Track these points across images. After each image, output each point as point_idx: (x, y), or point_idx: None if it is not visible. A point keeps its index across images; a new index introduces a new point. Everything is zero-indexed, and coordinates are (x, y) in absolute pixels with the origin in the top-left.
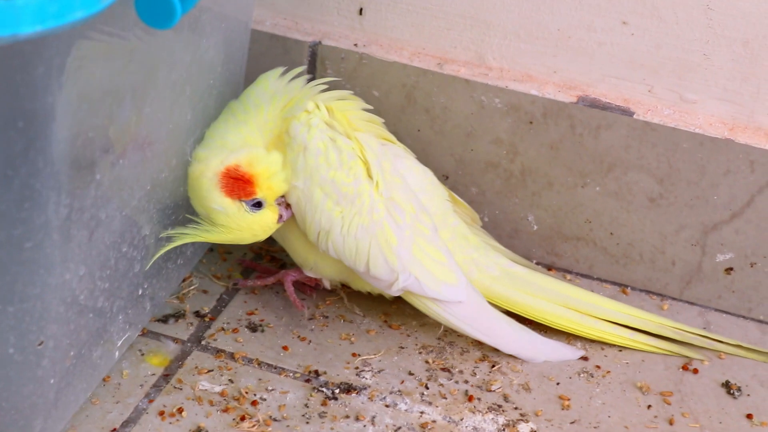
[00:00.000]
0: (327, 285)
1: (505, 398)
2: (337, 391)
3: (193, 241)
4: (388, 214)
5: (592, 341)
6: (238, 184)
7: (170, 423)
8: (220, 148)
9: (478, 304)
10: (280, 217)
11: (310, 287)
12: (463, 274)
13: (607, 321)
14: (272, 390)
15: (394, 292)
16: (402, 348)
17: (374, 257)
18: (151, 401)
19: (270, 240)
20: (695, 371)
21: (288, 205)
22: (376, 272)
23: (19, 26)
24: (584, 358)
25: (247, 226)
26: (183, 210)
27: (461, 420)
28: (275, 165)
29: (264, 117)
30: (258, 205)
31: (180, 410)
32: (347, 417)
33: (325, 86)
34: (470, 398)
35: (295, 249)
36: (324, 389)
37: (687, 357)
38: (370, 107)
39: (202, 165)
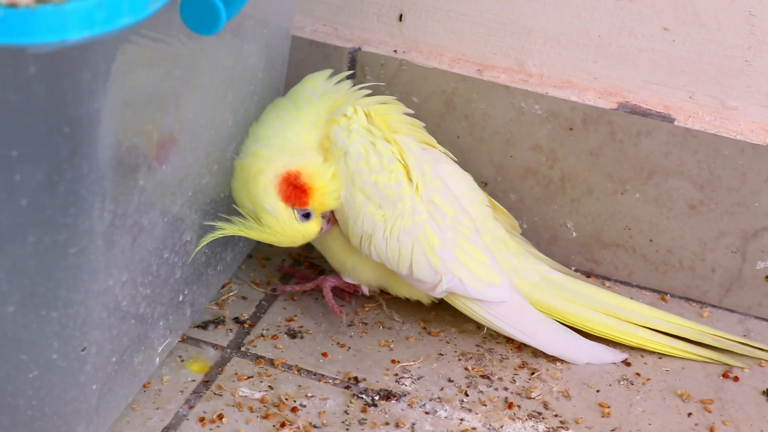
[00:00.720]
0: (366, 291)
1: (545, 405)
2: (376, 397)
3: (231, 234)
4: (429, 216)
5: (632, 348)
6: (296, 192)
7: (210, 429)
8: (281, 149)
9: (520, 304)
10: (321, 229)
11: (348, 293)
12: (506, 275)
13: (647, 328)
14: (312, 396)
15: (438, 294)
16: (441, 355)
17: (417, 260)
18: (191, 407)
19: (308, 246)
20: (736, 379)
21: (330, 219)
22: (419, 275)
23: (67, 32)
24: (626, 363)
25: (290, 233)
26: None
27: (501, 427)
28: (329, 178)
29: (316, 114)
30: (307, 215)
31: (220, 416)
32: (387, 424)
33: (369, 91)
34: (510, 405)
35: (334, 254)
36: (364, 396)
37: (727, 365)
38: (411, 111)
39: (262, 163)
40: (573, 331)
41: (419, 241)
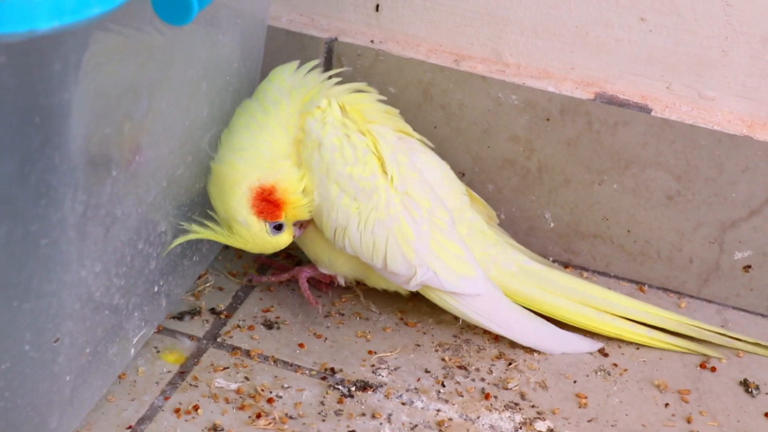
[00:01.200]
0: (342, 282)
1: (522, 396)
2: (353, 388)
3: (203, 238)
4: (404, 208)
5: (610, 339)
6: (269, 207)
7: (186, 420)
8: (255, 160)
9: (495, 297)
10: (294, 236)
11: (325, 284)
12: (481, 268)
13: (625, 318)
14: (288, 387)
15: (412, 287)
16: (418, 345)
17: (392, 252)
18: (166, 398)
19: None
20: (713, 369)
21: (303, 224)
22: (393, 267)
23: (36, 22)
24: (602, 352)
25: (261, 243)
26: (199, 206)
27: (478, 418)
28: (302, 186)
29: (286, 113)
30: (279, 227)
31: (196, 407)
32: (363, 415)
33: (340, 79)
34: (487, 396)
35: (310, 246)
36: (340, 387)
37: (705, 355)
38: (384, 98)
39: (237, 175)
40: (549, 322)
41: (393, 234)
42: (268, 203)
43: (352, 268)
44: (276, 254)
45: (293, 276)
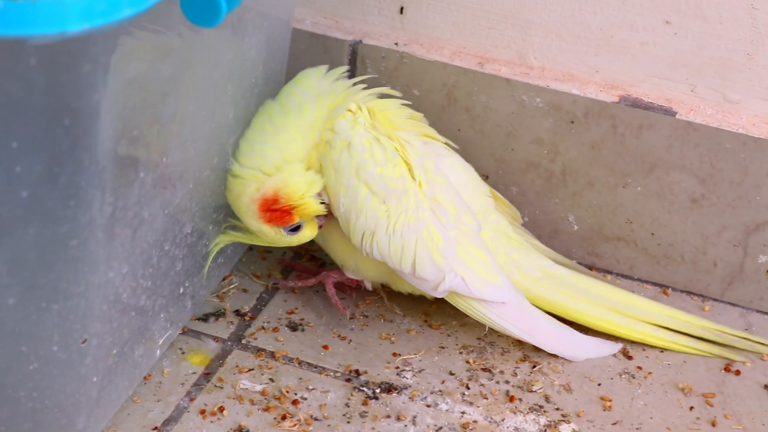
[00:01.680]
0: (368, 286)
1: (547, 399)
2: (377, 390)
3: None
4: (433, 214)
5: (633, 342)
6: (276, 214)
7: (211, 422)
8: (258, 168)
9: (520, 303)
10: (320, 227)
11: (350, 287)
12: (505, 275)
13: (648, 322)
14: (313, 389)
15: (440, 293)
16: (442, 348)
17: (421, 257)
18: (192, 400)
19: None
20: (737, 373)
21: (327, 214)
22: (422, 273)
23: (67, 24)
24: (626, 355)
25: (284, 243)
26: (224, 209)
27: (502, 420)
28: (315, 188)
29: (309, 118)
30: (296, 228)
31: (221, 409)
32: (388, 417)
33: (365, 85)
34: (511, 399)
35: (336, 251)
36: (365, 389)
37: (728, 359)
38: (409, 102)
39: (240, 186)
40: (572, 328)
41: (422, 239)
42: (274, 212)
43: (380, 274)
44: (300, 256)
45: (320, 281)
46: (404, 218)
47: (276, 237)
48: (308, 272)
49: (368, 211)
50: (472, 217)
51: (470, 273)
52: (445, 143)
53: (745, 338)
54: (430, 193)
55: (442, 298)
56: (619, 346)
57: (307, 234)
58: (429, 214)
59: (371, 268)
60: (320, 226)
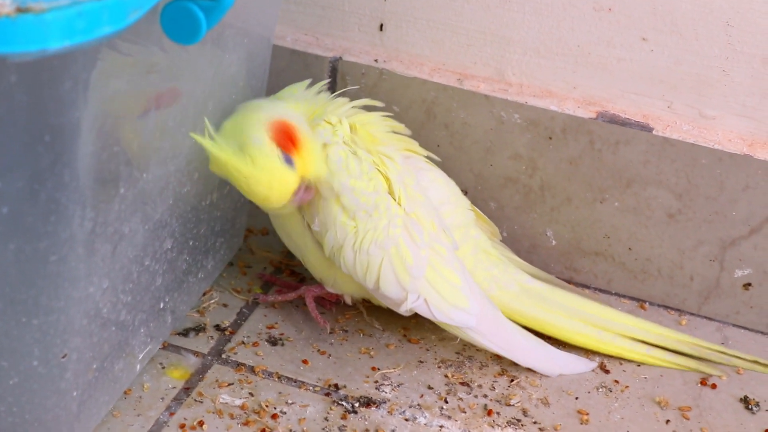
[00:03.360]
0: (348, 300)
1: (524, 413)
2: (356, 404)
3: (210, 150)
4: (406, 230)
5: (611, 357)
6: (285, 137)
7: None
8: (279, 108)
9: (494, 318)
10: (297, 192)
11: (330, 302)
12: (479, 294)
13: (625, 336)
14: (292, 403)
15: (402, 311)
16: (421, 362)
17: (385, 275)
18: (171, 414)
19: (290, 254)
20: (713, 386)
21: (309, 188)
22: (385, 290)
23: (47, 41)
24: (604, 369)
25: (269, 171)
26: (204, 224)
27: None
28: (318, 151)
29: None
30: (289, 161)
31: (201, 423)
32: (367, 430)
33: (347, 99)
34: (489, 412)
35: (314, 265)
36: (344, 403)
37: (704, 372)
38: (391, 114)
39: (261, 111)
40: (547, 343)
41: (390, 256)
42: (284, 134)
43: (358, 288)
44: (280, 271)
45: (299, 295)
46: (372, 235)
47: (270, 157)
48: (288, 287)
49: (338, 225)
50: (449, 235)
51: (435, 296)
52: (426, 157)
53: (721, 352)
54: (409, 209)
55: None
56: (594, 364)
57: (291, 179)
58: (401, 231)
59: (349, 282)
60: (297, 192)
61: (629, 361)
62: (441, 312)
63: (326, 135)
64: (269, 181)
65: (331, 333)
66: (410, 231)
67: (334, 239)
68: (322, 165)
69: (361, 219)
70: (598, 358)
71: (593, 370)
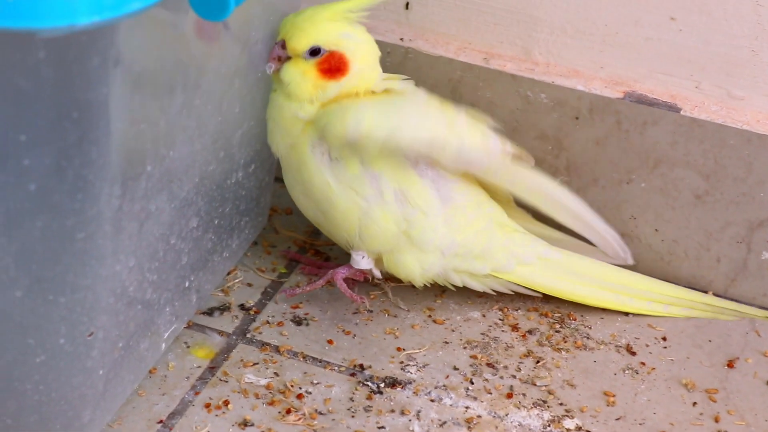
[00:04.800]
0: (378, 274)
1: (550, 394)
2: (382, 385)
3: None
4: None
5: (636, 338)
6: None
7: (216, 415)
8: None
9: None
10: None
11: (354, 281)
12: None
13: (647, 299)
14: (317, 383)
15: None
16: (446, 343)
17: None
18: (197, 393)
19: (314, 233)
20: (740, 367)
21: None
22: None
23: (76, 17)
24: (631, 352)
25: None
26: (230, 203)
27: (506, 415)
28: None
29: None
30: (315, 52)
31: (226, 403)
32: (392, 411)
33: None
34: (515, 394)
35: (341, 222)
36: (369, 383)
37: (744, 314)
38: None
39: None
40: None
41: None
42: (335, 60)
43: (385, 241)
44: (305, 250)
45: (328, 281)
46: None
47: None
48: (313, 265)
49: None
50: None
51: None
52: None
53: (744, 313)
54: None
55: (447, 293)
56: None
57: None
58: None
59: (376, 235)
60: (271, 61)
61: (656, 342)
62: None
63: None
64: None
65: (355, 313)
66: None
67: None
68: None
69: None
70: (624, 339)
71: (619, 352)
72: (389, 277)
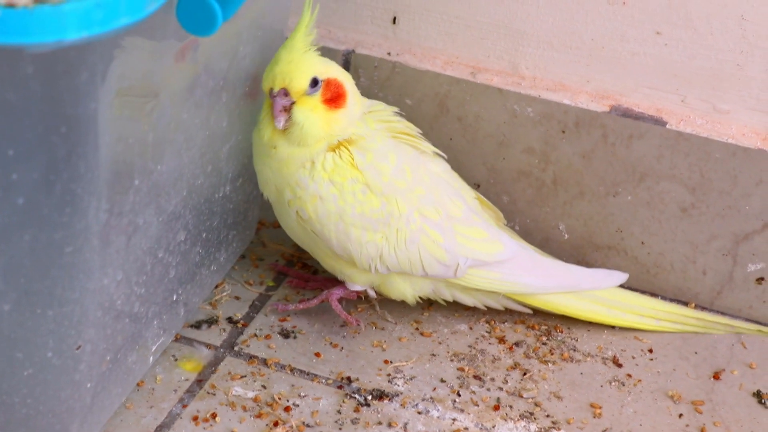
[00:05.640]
0: (372, 294)
1: (537, 406)
2: (369, 397)
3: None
4: (422, 216)
5: (623, 350)
6: (333, 93)
7: (204, 428)
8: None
9: (531, 256)
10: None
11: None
12: (508, 237)
13: (636, 313)
14: (305, 396)
15: (459, 276)
16: (434, 355)
17: (427, 261)
18: (185, 406)
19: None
20: (726, 380)
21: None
22: (433, 272)
23: (65, 32)
24: (617, 364)
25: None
26: (217, 216)
27: (493, 427)
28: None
29: None
30: (315, 83)
31: (213, 415)
32: (380, 423)
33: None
34: (502, 406)
35: (324, 261)
36: (356, 396)
37: (704, 333)
38: (403, 114)
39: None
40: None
41: (423, 245)
42: (335, 88)
43: (370, 279)
44: (292, 264)
45: (323, 300)
46: (402, 234)
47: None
48: (301, 278)
49: (367, 243)
50: (460, 200)
51: (475, 251)
52: (435, 152)
53: (730, 325)
54: (411, 209)
55: (434, 306)
56: (625, 276)
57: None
58: (420, 220)
59: (360, 274)
60: (277, 117)
61: (642, 354)
62: (487, 259)
63: (310, 183)
64: (289, 62)
65: (342, 326)
66: (425, 215)
67: (369, 255)
68: (315, 214)
69: (384, 228)
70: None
71: (605, 363)
72: (380, 296)
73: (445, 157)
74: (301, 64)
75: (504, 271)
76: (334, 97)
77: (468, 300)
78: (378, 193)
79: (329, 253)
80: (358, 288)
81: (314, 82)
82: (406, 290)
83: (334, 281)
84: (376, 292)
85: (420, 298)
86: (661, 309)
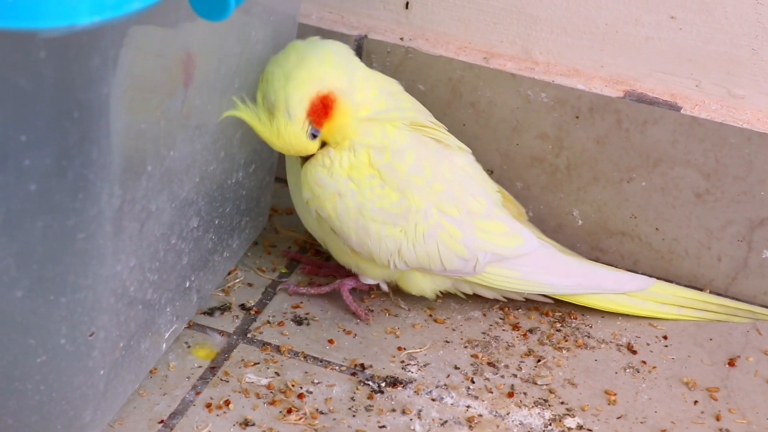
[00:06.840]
0: (385, 287)
1: (551, 392)
2: (383, 384)
3: (241, 117)
4: (440, 212)
5: (638, 336)
6: (321, 110)
7: (217, 415)
8: (337, 71)
9: (551, 251)
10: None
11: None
12: (529, 232)
13: (655, 301)
14: (318, 383)
15: (479, 272)
16: (447, 342)
17: (446, 256)
18: (198, 393)
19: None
20: (741, 366)
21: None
22: (452, 267)
23: (77, 17)
24: (632, 350)
25: (292, 142)
26: (230, 203)
27: (507, 414)
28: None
29: None
30: (316, 134)
31: (227, 402)
32: (393, 410)
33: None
34: (516, 393)
35: (339, 255)
36: (370, 382)
37: (729, 321)
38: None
39: (317, 70)
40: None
41: (441, 239)
42: (323, 107)
43: (387, 274)
44: (305, 250)
45: (334, 288)
46: (420, 228)
47: (296, 135)
48: (313, 265)
49: (386, 238)
50: (481, 196)
51: (495, 246)
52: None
53: (750, 311)
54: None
55: (446, 293)
56: (653, 280)
57: (311, 147)
58: (438, 215)
59: (373, 267)
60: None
61: (657, 341)
62: (506, 254)
63: (330, 181)
64: (288, 146)
65: (355, 313)
66: (444, 210)
67: (388, 250)
68: (334, 211)
69: (403, 222)
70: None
71: (620, 350)
72: (396, 289)
73: (470, 151)
74: (292, 139)
75: (523, 269)
76: (326, 111)
77: (488, 293)
78: (395, 189)
79: (346, 250)
80: (370, 281)
81: (312, 135)
82: (425, 286)
83: (348, 270)
84: (394, 286)
85: (440, 291)
86: (682, 296)
